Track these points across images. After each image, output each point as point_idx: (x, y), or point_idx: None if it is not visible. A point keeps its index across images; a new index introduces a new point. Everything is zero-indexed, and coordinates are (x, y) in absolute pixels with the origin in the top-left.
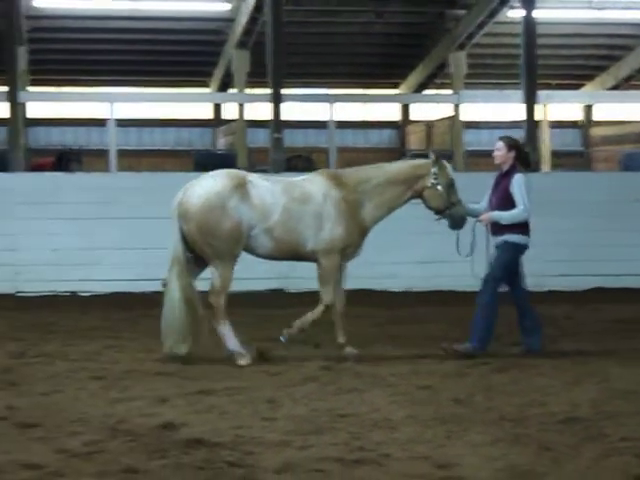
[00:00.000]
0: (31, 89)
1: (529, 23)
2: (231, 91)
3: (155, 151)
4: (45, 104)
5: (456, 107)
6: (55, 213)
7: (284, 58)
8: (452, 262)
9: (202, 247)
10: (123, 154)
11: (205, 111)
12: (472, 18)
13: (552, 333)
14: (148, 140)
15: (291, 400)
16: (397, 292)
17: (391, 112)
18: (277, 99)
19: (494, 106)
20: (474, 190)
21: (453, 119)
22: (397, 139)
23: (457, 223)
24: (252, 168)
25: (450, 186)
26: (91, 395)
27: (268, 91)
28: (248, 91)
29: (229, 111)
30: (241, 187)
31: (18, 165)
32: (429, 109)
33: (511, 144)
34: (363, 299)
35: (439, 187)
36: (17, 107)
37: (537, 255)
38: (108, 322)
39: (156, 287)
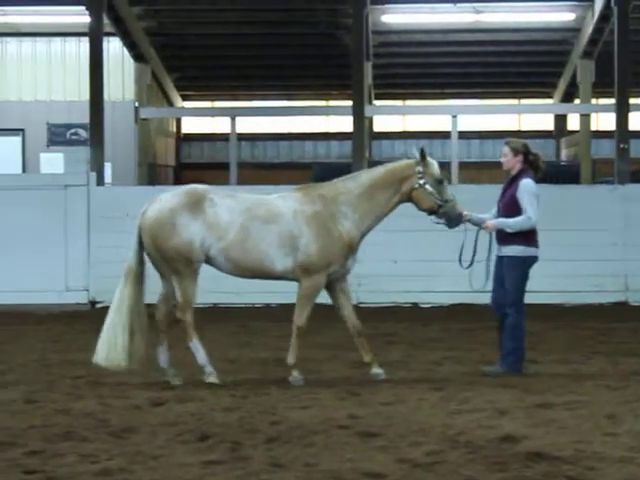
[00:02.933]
0: (376, 103)
1: None
2: (575, 102)
3: (497, 163)
4: (389, 117)
5: None
6: (395, 225)
7: (630, 67)
8: None
9: (158, 261)
10: (465, 166)
11: (548, 122)
12: None
13: None
14: (490, 152)
15: (633, 416)
16: None
17: None
18: (623, 109)
19: None
20: None
21: None
22: None
23: (454, 221)
24: (595, 179)
25: (439, 183)
26: (432, 406)
27: (613, 101)
28: (593, 101)
29: (573, 122)
30: (196, 205)
31: None
32: None
33: (517, 148)
34: None
35: (427, 186)
36: (363, 121)
37: None
38: (448, 333)
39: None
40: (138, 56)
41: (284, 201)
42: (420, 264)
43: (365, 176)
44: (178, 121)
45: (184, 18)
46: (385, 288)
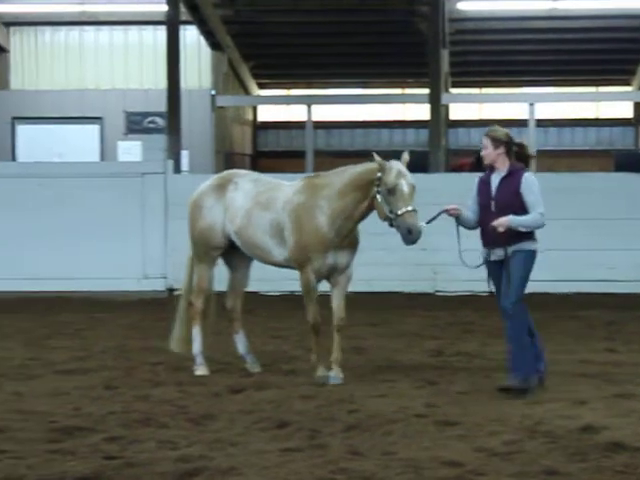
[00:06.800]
0: (453, 91)
1: None
2: None
3: (574, 151)
4: (465, 105)
5: None
6: None
7: None
8: None
9: (191, 244)
10: (542, 154)
11: (627, 110)
12: None
13: None
14: (568, 140)
15: None
16: None
17: None
18: None
19: None
20: None
21: None
22: None
23: (404, 238)
24: None
25: (390, 193)
26: (509, 395)
27: None
28: None
29: None
30: (221, 188)
31: (438, 166)
32: None
33: (498, 139)
34: None
35: (378, 196)
36: (439, 109)
37: None
38: None
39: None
40: (214, 44)
41: (285, 189)
42: None
43: (347, 173)
44: (254, 109)
45: (260, 6)
46: (462, 276)
